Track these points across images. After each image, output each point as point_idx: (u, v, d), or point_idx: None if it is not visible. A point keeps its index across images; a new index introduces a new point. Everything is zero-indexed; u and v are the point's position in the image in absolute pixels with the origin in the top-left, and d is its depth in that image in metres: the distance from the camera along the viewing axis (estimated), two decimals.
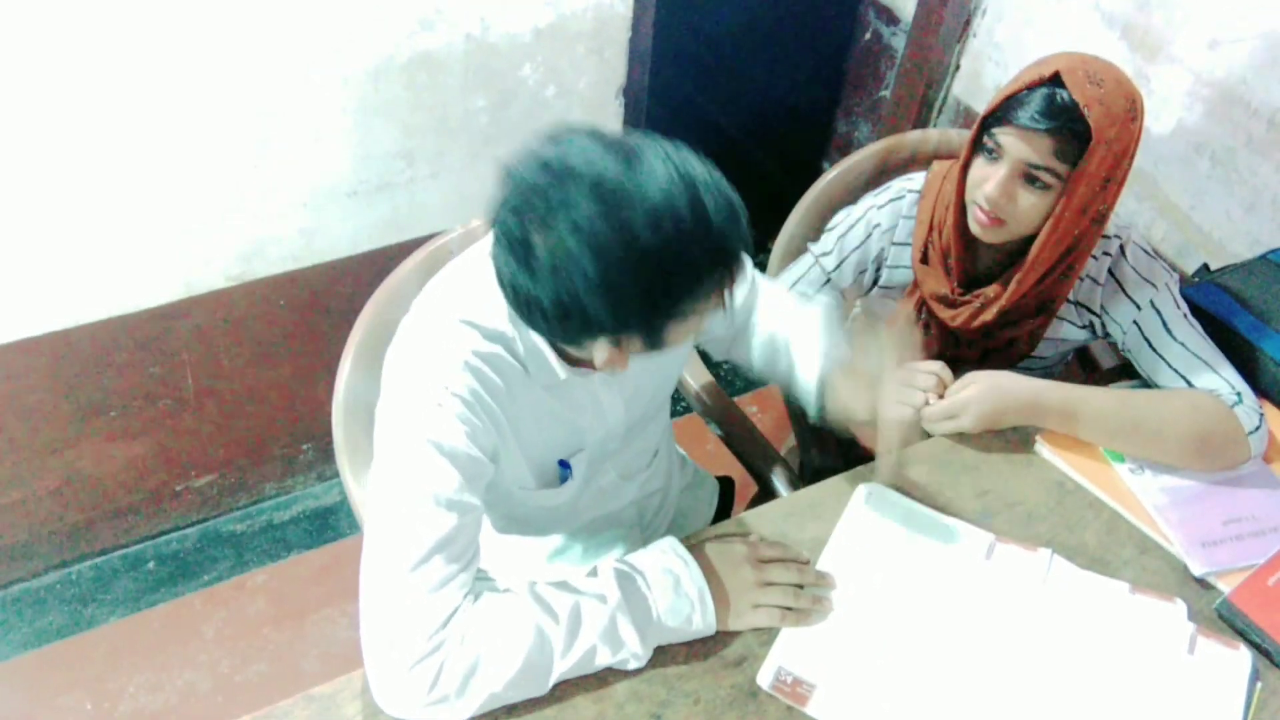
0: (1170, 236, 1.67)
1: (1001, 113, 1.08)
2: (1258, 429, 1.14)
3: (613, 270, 0.73)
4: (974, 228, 1.17)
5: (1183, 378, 1.17)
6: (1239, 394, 1.15)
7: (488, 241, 0.96)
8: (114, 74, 1.38)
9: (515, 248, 0.76)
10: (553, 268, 0.74)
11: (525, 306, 0.80)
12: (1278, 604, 1.03)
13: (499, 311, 0.91)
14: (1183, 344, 1.18)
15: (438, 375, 0.88)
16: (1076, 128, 1.04)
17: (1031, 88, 1.05)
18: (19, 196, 1.43)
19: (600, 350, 0.82)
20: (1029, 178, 1.09)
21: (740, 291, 1.14)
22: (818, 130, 2.68)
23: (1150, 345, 1.20)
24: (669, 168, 0.75)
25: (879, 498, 1.12)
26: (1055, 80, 1.04)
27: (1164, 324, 1.19)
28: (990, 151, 1.11)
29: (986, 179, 1.11)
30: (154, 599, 1.93)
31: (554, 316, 0.77)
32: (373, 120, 1.63)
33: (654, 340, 0.81)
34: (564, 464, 1.07)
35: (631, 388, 1.08)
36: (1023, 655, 0.97)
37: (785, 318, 1.18)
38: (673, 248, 0.74)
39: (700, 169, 0.77)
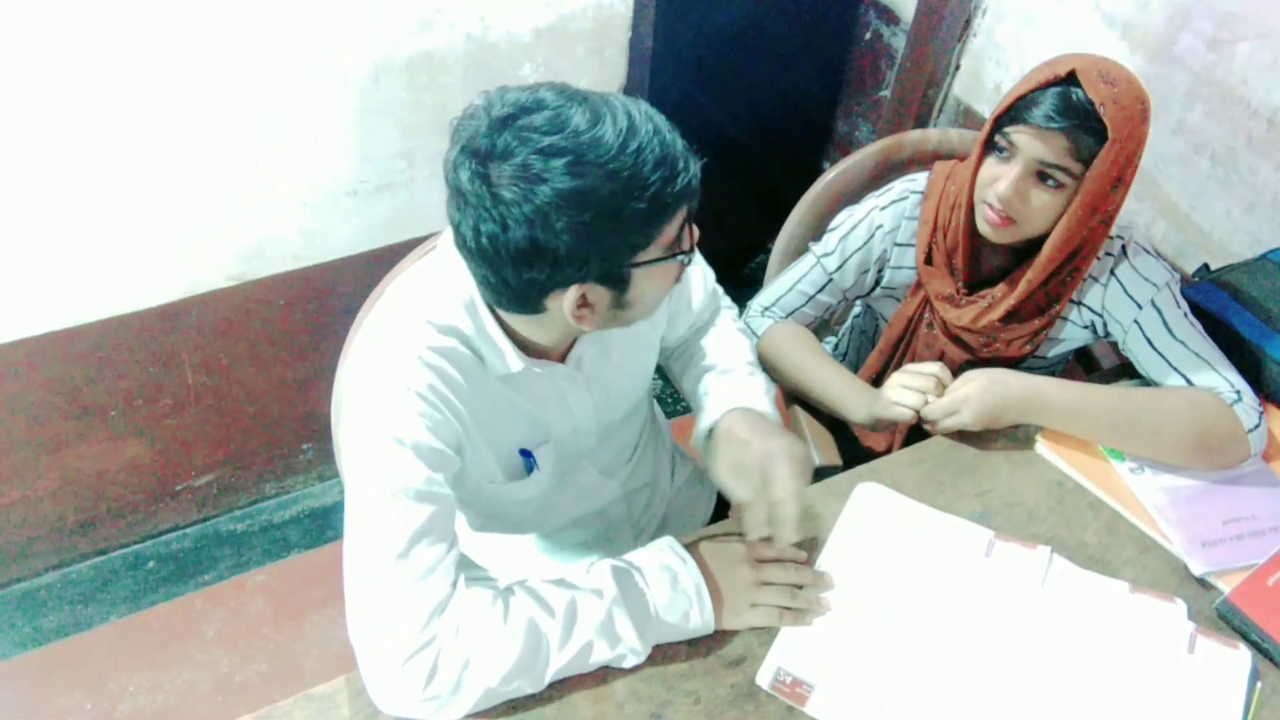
0: (1170, 236, 1.67)
1: (1014, 112, 1.07)
2: (1257, 427, 1.14)
3: (576, 193, 0.75)
4: (983, 228, 1.16)
5: (1183, 376, 1.17)
6: (1239, 392, 1.15)
7: (438, 245, 0.97)
8: (114, 74, 1.38)
9: (476, 190, 0.77)
10: (520, 199, 0.75)
11: (488, 259, 0.80)
12: (1278, 604, 1.03)
13: (453, 306, 0.91)
14: (1183, 343, 1.18)
15: (395, 372, 0.88)
16: (1091, 126, 1.04)
17: (1044, 87, 1.05)
18: (19, 197, 1.43)
19: (568, 301, 0.83)
20: (1042, 176, 1.09)
21: (699, 277, 1.18)
22: (818, 130, 2.68)
23: (1151, 344, 1.20)
24: (623, 103, 0.78)
25: (878, 498, 1.12)
26: (1069, 79, 1.04)
27: (1165, 323, 1.19)
28: (1002, 150, 1.11)
29: (998, 178, 1.11)
30: (154, 598, 1.94)
31: (520, 261, 0.79)
32: (373, 120, 1.63)
33: (620, 287, 0.84)
34: (526, 454, 1.06)
35: (604, 391, 1.08)
36: (1022, 654, 0.97)
37: (725, 362, 1.16)
38: (637, 170, 0.76)
39: (653, 110, 0.80)
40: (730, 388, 1.11)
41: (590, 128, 0.76)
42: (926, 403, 1.15)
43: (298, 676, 1.81)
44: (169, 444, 1.89)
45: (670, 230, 0.83)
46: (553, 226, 0.76)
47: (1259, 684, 0.97)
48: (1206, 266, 1.42)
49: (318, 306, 1.83)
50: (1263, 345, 1.26)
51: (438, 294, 0.92)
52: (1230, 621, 1.03)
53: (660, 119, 0.79)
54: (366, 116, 1.61)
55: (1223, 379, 1.16)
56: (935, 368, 1.17)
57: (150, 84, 1.42)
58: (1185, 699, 0.95)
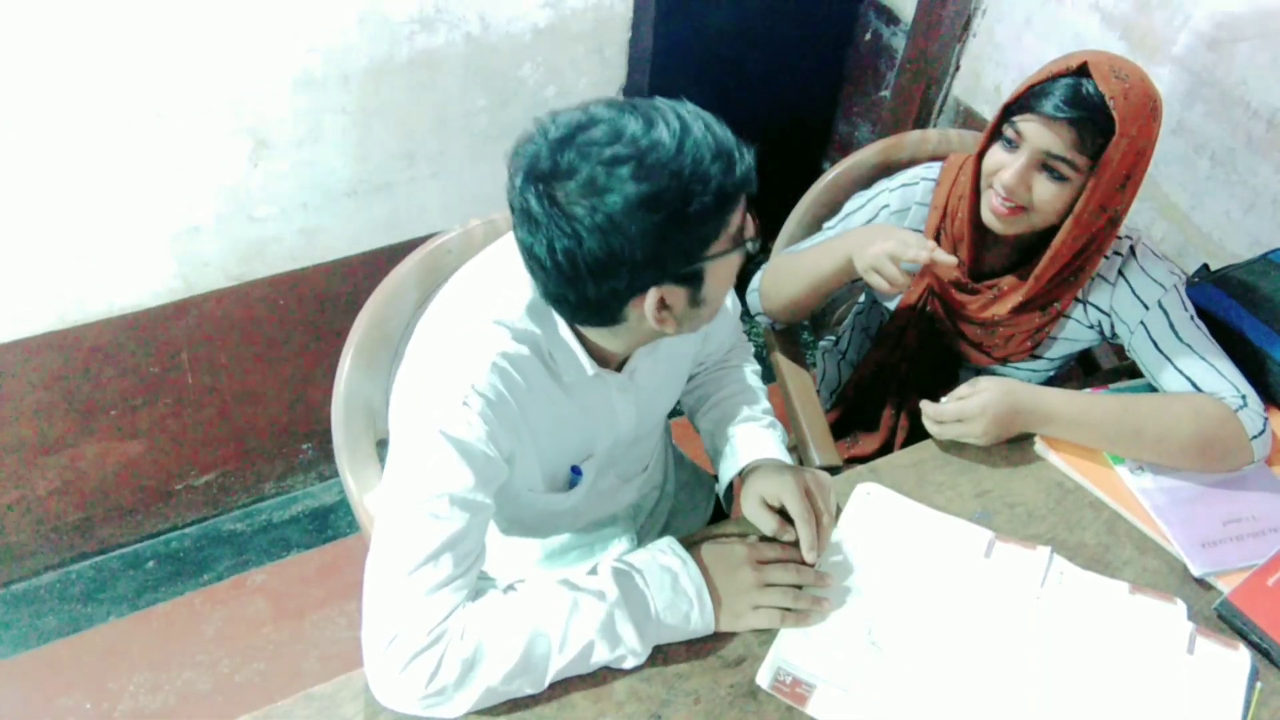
0: (1170, 237, 1.67)
1: (1024, 101, 1.07)
2: (1261, 433, 1.14)
3: (644, 197, 0.76)
4: (987, 216, 1.16)
5: (1188, 379, 1.17)
6: (1244, 397, 1.15)
7: (509, 240, 0.96)
8: (114, 73, 1.38)
9: (546, 210, 0.78)
10: (590, 212, 0.76)
11: (565, 275, 0.80)
12: (1277, 604, 1.03)
13: (528, 311, 0.91)
14: (1189, 345, 1.18)
15: (465, 374, 0.88)
16: (1100, 120, 1.04)
17: (1056, 78, 1.06)
18: (19, 196, 1.43)
19: (649, 306, 0.84)
20: (1047, 168, 1.09)
21: (729, 317, 1.19)
22: (818, 130, 2.68)
23: (1156, 346, 1.19)
24: (670, 105, 0.80)
25: (878, 498, 1.12)
26: (1081, 71, 1.05)
27: (1171, 325, 1.19)
28: (1010, 140, 1.11)
29: (1003, 166, 1.11)
30: (153, 598, 1.93)
31: (598, 272, 0.79)
32: (373, 120, 1.63)
33: (695, 284, 0.84)
34: (575, 469, 1.08)
35: (647, 402, 1.09)
36: (1022, 655, 0.97)
37: (746, 411, 1.17)
38: (698, 166, 0.78)
39: (698, 108, 0.81)
40: (753, 438, 1.13)
41: (646, 132, 0.77)
42: (907, 274, 1.13)
43: (297, 676, 1.81)
44: (169, 443, 1.89)
45: (735, 220, 0.84)
46: (626, 232, 0.77)
47: (1259, 684, 0.97)
48: (1206, 267, 1.42)
49: (318, 306, 1.83)
50: (1263, 346, 1.26)
51: (511, 298, 0.92)
52: (1230, 622, 1.03)
53: (708, 115, 0.81)
54: (367, 116, 1.62)
55: (1228, 383, 1.16)
56: (926, 245, 1.12)
57: (151, 84, 1.42)
58: (1185, 699, 0.95)
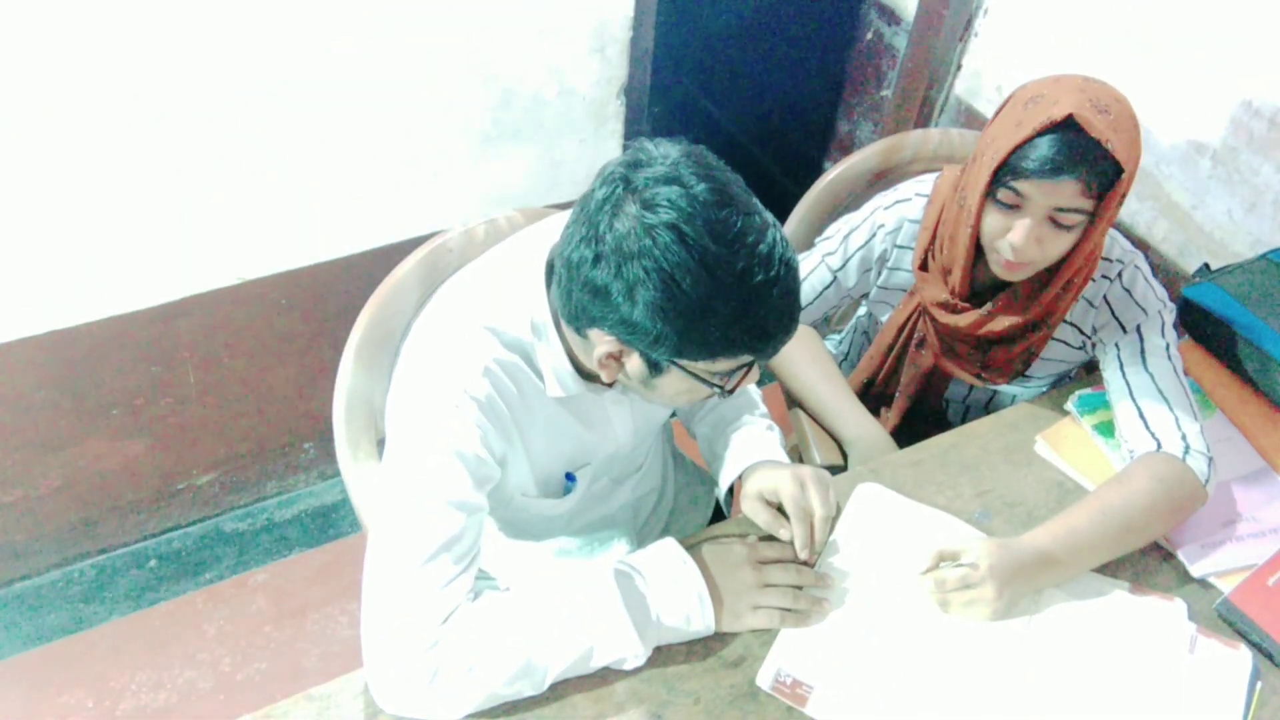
0: (1171, 236, 1.67)
1: (1016, 163, 1.03)
2: (1209, 478, 1.10)
3: (709, 297, 0.77)
4: (999, 271, 1.14)
5: (1136, 407, 1.15)
6: (1185, 438, 1.11)
7: (508, 246, 0.97)
8: (115, 73, 1.39)
9: (621, 276, 0.78)
10: (651, 254, 0.76)
11: (570, 266, 0.82)
12: (1278, 604, 1.03)
13: (520, 320, 0.92)
14: (1151, 375, 1.16)
15: (457, 378, 0.89)
16: (1099, 162, 1.00)
17: (1042, 133, 1.01)
18: (21, 196, 1.44)
19: (601, 348, 0.85)
20: (1054, 220, 1.06)
21: None
22: (819, 130, 2.68)
23: (1121, 368, 1.18)
24: (767, 223, 0.79)
25: (879, 498, 1.12)
26: (1066, 121, 1.00)
27: (1141, 351, 1.17)
28: (1008, 204, 1.07)
29: (1009, 229, 1.08)
30: (155, 597, 1.94)
31: (599, 283, 0.80)
32: (373, 120, 1.63)
33: (655, 370, 0.86)
34: (570, 476, 1.08)
35: (643, 414, 1.09)
36: (1023, 655, 0.97)
37: (745, 415, 1.18)
38: (760, 303, 0.78)
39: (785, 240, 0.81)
40: (753, 441, 1.13)
41: (747, 272, 0.76)
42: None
43: (298, 675, 1.82)
44: (171, 443, 1.89)
45: (728, 364, 0.84)
46: (650, 286, 0.77)
47: (1259, 684, 0.97)
48: (1207, 266, 1.42)
49: (318, 306, 1.84)
50: (1263, 345, 1.25)
51: (507, 309, 0.92)
52: (1230, 621, 1.03)
53: (796, 267, 0.81)
54: (367, 116, 1.62)
55: (1173, 423, 1.12)
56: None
57: (152, 84, 1.42)
58: (1186, 699, 0.95)
